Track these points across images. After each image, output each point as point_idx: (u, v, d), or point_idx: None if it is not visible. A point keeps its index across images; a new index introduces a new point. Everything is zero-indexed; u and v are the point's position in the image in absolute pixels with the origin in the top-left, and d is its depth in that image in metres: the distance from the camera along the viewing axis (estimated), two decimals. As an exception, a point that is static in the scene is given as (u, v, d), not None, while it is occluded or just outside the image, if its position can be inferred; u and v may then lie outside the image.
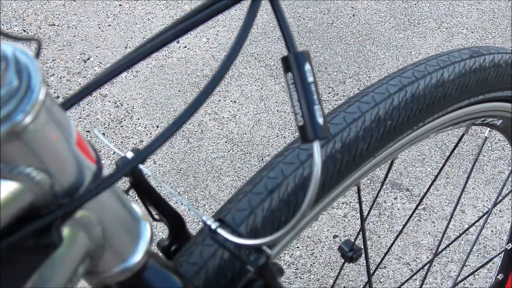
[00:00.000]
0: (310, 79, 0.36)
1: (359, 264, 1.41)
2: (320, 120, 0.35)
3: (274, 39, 1.98)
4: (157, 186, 0.50)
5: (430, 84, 0.62)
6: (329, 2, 2.14)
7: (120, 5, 2.12)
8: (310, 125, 0.35)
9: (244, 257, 0.42)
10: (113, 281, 0.40)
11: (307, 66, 0.36)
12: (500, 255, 1.01)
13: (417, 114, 0.61)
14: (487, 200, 1.56)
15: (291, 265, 1.41)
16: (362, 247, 0.76)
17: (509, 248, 0.97)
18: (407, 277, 1.23)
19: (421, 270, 0.97)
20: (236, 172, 1.60)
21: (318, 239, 1.46)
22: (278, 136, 1.70)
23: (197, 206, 1.52)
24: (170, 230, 0.53)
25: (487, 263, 0.99)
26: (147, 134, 1.69)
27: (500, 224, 1.50)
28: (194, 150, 1.65)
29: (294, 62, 0.36)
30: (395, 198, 1.55)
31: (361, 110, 0.59)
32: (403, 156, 1.64)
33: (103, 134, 1.69)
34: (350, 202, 1.53)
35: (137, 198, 0.49)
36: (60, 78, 1.85)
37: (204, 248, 0.51)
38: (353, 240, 0.79)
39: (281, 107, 1.77)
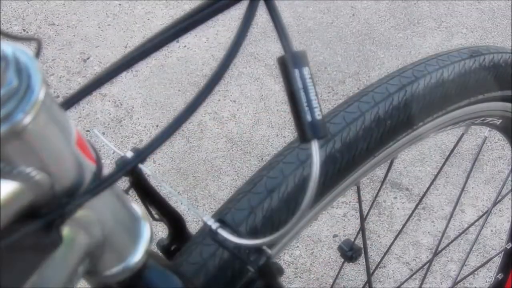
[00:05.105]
0: (308, 78, 0.36)
1: (359, 263, 1.41)
2: (318, 120, 0.35)
3: (274, 38, 1.98)
4: (156, 186, 0.50)
5: (430, 83, 0.62)
6: (329, 2, 2.14)
7: (119, 4, 2.12)
8: (308, 125, 0.35)
9: (244, 257, 0.42)
10: (113, 281, 0.40)
11: (304, 66, 0.36)
12: (500, 254, 1.01)
13: (416, 114, 0.61)
14: (486, 200, 1.56)
15: (291, 264, 1.41)
16: (362, 246, 0.76)
17: (508, 247, 0.97)
18: (407, 277, 1.23)
19: (421, 269, 0.97)
20: (235, 171, 1.60)
21: (318, 238, 1.47)
22: (277, 135, 1.70)
23: (197, 206, 1.52)
24: (170, 229, 0.53)
25: (486, 262, 0.99)
26: (147, 134, 1.70)
27: (500, 224, 1.50)
28: (194, 150, 1.65)
29: (291, 61, 0.36)
30: (395, 198, 1.55)
31: (360, 110, 0.59)
32: (402, 155, 1.64)
33: (103, 133, 1.69)
34: (350, 202, 1.53)
35: (137, 197, 0.49)
36: (60, 77, 1.85)
37: (204, 248, 0.51)
38: (352, 240, 0.79)
39: (281, 107, 1.77)
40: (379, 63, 1.92)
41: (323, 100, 1.79)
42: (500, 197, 0.89)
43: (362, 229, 0.72)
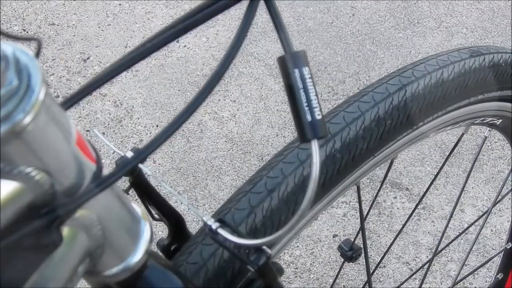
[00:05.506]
0: (308, 78, 0.36)
1: (359, 263, 1.41)
2: (318, 119, 0.35)
3: (274, 38, 1.98)
4: (156, 186, 0.50)
5: (430, 83, 0.62)
6: (328, 2, 2.14)
7: (120, 4, 2.12)
8: (308, 125, 0.35)
9: (244, 257, 0.42)
10: (113, 281, 0.40)
11: (304, 66, 0.36)
12: (500, 254, 1.01)
13: (416, 114, 0.61)
14: (486, 200, 1.56)
15: (291, 264, 1.41)
16: (362, 246, 0.76)
17: (508, 247, 0.97)
18: (407, 277, 1.23)
19: (421, 269, 0.97)
20: (235, 171, 1.60)
21: (318, 238, 1.47)
22: (277, 135, 1.70)
23: (197, 206, 1.52)
24: (170, 229, 0.53)
25: (486, 262, 0.99)
26: (147, 134, 1.70)
27: (500, 224, 1.50)
28: (194, 150, 1.65)
29: (290, 61, 0.36)
30: (395, 198, 1.55)
31: (360, 110, 0.59)
32: (402, 155, 1.64)
33: (103, 133, 1.69)
34: (350, 202, 1.53)
35: (137, 197, 0.49)
36: (60, 77, 1.85)
37: (204, 248, 0.51)
38: (352, 240, 0.79)
39: (281, 107, 1.77)
40: (379, 63, 1.92)
41: (323, 100, 1.79)
42: (500, 197, 0.89)
43: (362, 229, 0.72)
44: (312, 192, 0.35)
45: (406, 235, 1.47)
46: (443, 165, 0.80)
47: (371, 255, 1.42)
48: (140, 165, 0.46)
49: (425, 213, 1.52)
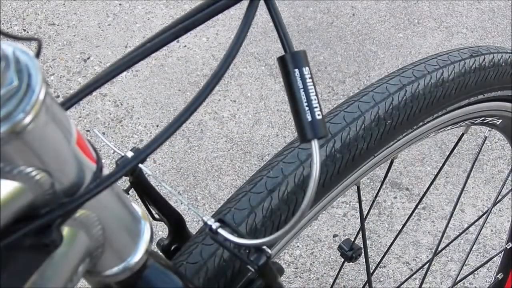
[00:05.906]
0: (308, 78, 0.36)
1: (359, 263, 1.41)
2: (318, 119, 0.35)
3: (274, 38, 1.98)
4: (157, 186, 0.50)
5: (430, 83, 0.62)
6: (329, 2, 2.14)
7: (120, 4, 2.12)
8: (308, 124, 0.35)
9: (244, 257, 0.42)
10: (113, 281, 0.40)
11: (304, 66, 0.36)
12: (500, 254, 1.01)
13: (416, 114, 0.62)
14: (486, 200, 1.56)
15: (291, 264, 1.41)
16: (362, 246, 0.76)
17: (508, 247, 0.97)
18: (407, 276, 1.23)
19: (421, 269, 0.97)
20: (236, 171, 1.60)
21: (318, 238, 1.47)
22: (278, 135, 1.70)
23: (197, 206, 1.52)
24: (170, 229, 0.53)
25: (486, 262, 0.99)
26: (147, 134, 1.70)
27: (500, 224, 1.50)
28: (194, 150, 1.65)
29: (291, 61, 0.36)
30: (395, 198, 1.55)
31: (360, 110, 0.59)
32: (402, 155, 1.64)
33: (103, 133, 1.69)
34: (350, 202, 1.53)
35: (137, 197, 0.49)
36: (60, 77, 1.85)
37: (204, 248, 0.51)
38: (352, 239, 0.79)
39: (281, 106, 1.77)
40: (379, 63, 1.92)
41: (323, 100, 1.79)
42: (500, 197, 0.89)
43: (362, 229, 0.72)
44: (312, 192, 0.35)
45: (406, 235, 1.47)
46: (443, 165, 0.80)
47: (371, 255, 1.42)
48: (140, 165, 0.46)
49: (425, 213, 1.52)
